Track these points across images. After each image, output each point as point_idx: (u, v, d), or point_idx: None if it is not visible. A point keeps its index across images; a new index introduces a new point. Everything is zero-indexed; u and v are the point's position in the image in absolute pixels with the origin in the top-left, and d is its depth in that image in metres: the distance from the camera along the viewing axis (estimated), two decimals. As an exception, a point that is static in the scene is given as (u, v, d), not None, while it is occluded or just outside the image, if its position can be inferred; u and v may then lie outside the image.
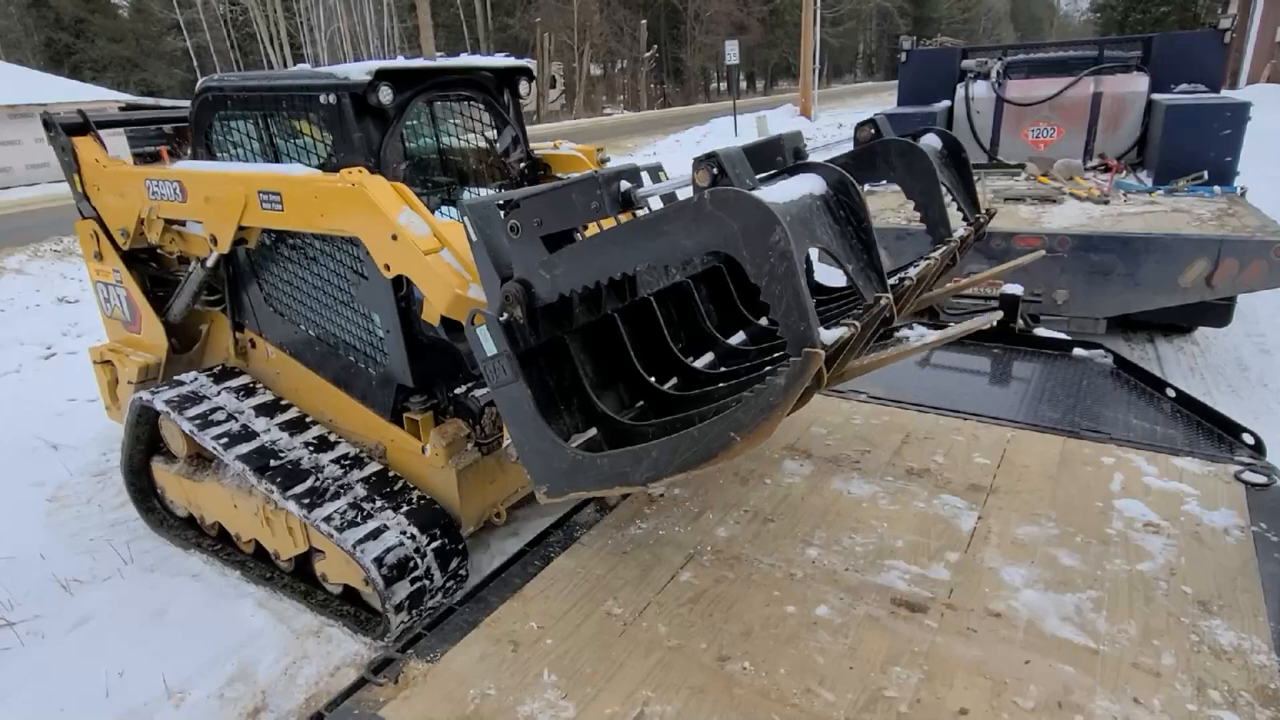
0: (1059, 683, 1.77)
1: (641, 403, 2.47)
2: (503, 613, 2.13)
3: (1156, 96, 7.39)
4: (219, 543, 4.15)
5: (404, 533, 3.30)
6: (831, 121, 23.75)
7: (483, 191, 4.13)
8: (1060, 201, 6.40)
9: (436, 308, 2.93)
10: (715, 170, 1.86)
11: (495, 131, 4.11)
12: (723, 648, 1.95)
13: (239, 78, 3.77)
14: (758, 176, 2.04)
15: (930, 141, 2.85)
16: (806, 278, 1.70)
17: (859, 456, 2.86)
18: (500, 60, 4.01)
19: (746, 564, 2.28)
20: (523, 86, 4.08)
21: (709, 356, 2.84)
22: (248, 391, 3.95)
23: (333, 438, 3.78)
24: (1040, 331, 3.93)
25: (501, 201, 2.13)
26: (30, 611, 3.73)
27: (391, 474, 3.62)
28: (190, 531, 4.25)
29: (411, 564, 3.23)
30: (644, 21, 51.09)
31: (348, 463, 3.63)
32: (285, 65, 39.09)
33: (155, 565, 4.09)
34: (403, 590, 3.19)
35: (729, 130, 21.95)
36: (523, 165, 4.19)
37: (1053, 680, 1.78)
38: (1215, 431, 2.95)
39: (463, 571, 3.44)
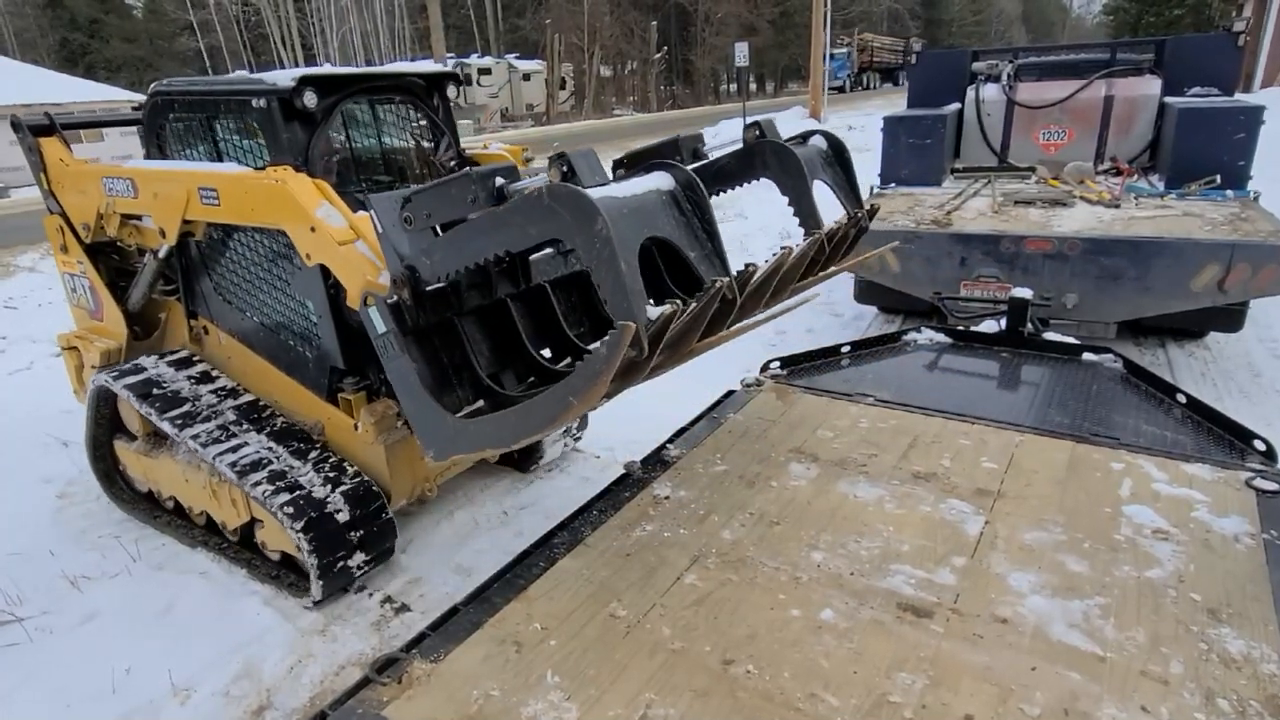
0: (1066, 689, 1.76)
1: (533, 378, 2.73)
2: (507, 613, 2.13)
3: (1169, 100, 7.34)
4: (176, 516, 4.44)
5: (266, 447, 3.81)
6: (841, 124, 23.62)
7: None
8: (1071, 205, 6.37)
9: (351, 293, 3.14)
10: (565, 168, 2.16)
11: (431, 133, 4.39)
12: (727, 651, 1.94)
13: (185, 83, 4.05)
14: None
15: (816, 143, 3.10)
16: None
17: (865, 460, 2.85)
18: (426, 67, 4.40)
19: (751, 567, 2.27)
20: (450, 90, 4.41)
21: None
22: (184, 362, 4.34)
23: (214, 373, 4.24)
24: (1049, 335, 3.91)
25: (407, 194, 2.36)
26: (39, 607, 3.75)
27: (262, 403, 4.09)
28: (148, 505, 4.56)
29: (266, 462, 3.72)
30: (654, 23, 51.09)
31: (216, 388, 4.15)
32: (298, 65, 39.29)
33: (163, 563, 4.12)
34: (258, 474, 3.63)
35: (738, 132, 21.91)
36: (453, 164, 4.40)
37: (1059, 687, 1.77)
38: (1226, 438, 2.92)
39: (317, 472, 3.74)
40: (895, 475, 2.73)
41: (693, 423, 3.24)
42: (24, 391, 6.62)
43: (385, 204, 2.39)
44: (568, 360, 2.90)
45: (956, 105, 8.29)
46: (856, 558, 2.28)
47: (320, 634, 3.52)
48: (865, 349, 3.98)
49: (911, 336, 4.04)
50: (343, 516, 3.58)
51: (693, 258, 2.30)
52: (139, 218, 4.16)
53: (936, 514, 2.48)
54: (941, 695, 1.76)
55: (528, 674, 1.90)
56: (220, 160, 3.90)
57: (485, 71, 32.34)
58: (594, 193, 1.95)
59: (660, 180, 2.31)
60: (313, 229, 3.16)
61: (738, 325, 2.52)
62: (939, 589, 2.12)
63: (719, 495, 2.67)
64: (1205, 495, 2.49)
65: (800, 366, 3.81)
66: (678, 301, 2.07)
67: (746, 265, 2.46)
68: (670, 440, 3.09)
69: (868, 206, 3.23)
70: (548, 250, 2.86)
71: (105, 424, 4.47)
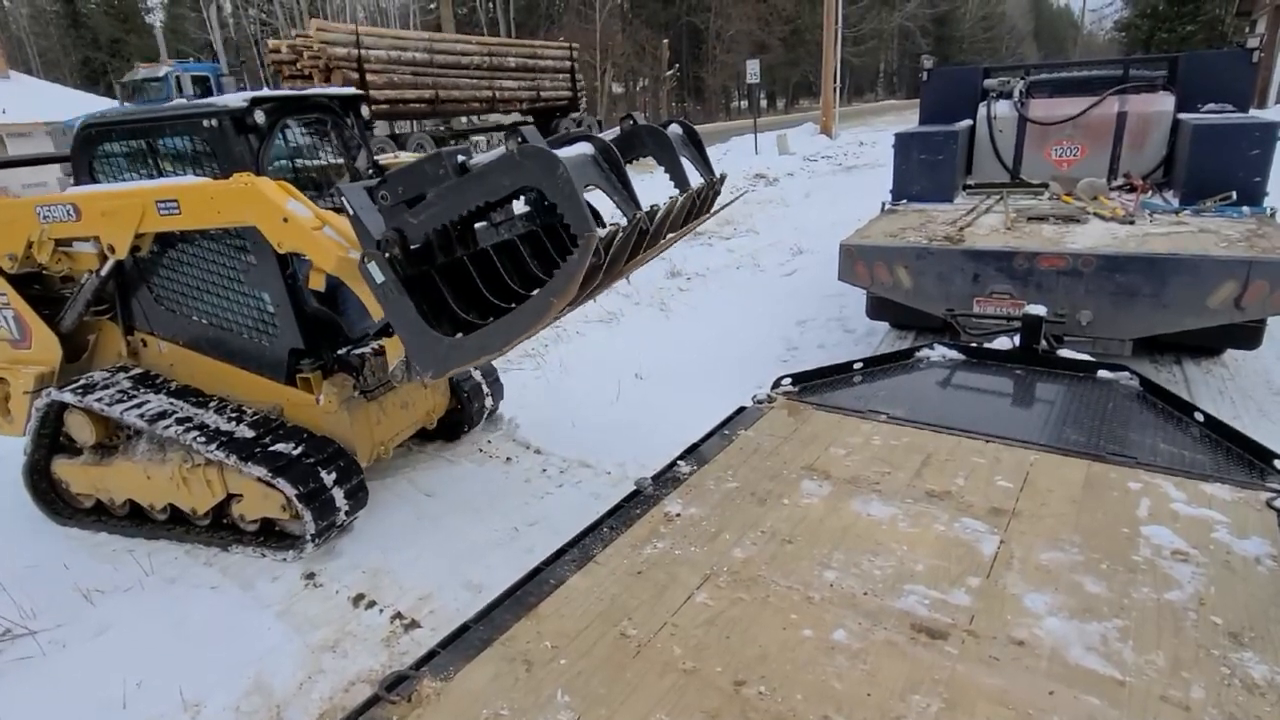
0: (1084, 714, 1.73)
1: (493, 318, 3.28)
2: (516, 631, 2.12)
3: (1183, 116, 7.30)
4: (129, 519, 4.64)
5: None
6: (853, 140, 23.66)
7: None
8: (1084, 221, 6.33)
9: (325, 269, 3.66)
10: (520, 139, 2.76)
11: (347, 146, 4.96)
12: (738, 671, 1.92)
13: (119, 113, 4.45)
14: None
15: (674, 129, 3.85)
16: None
17: (879, 478, 2.83)
18: (341, 90, 4.91)
19: (763, 585, 2.25)
20: (364, 110, 4.99)
21: None
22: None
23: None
24: (1064, 353, 3.87)
25: (375, 181, 3.00)
26: (52, 620, 3.77)
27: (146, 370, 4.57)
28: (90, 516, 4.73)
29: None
30: (665, 41, 51.40)
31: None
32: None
33: (175, 577, 4.13)
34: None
35: (749, 148, 21.92)
36: (370, 171, 5.01)
37: (1078, 711, 1.74)
38: (1246, 457, 2.88)
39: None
40: (909, 493, 2.71)
41: (704, 439, 3.23)
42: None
43: (356, 191, 2.99)
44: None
45: (968, 121, 8.27)
46: (870, 577, 2.26)
47: (330, 650, 3.51)
48: (878, 365, 3.96)
49: (924, 353, 4.02)
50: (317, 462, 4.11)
51: (616, 200, 3.05)
52: (70, 244, 4.38)
53: (951, 533, 2.45)
54: (957, 718, 1.73)
55: (537, 693, 1.89)
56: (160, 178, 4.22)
57: (499, 89, 32.67)
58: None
59: (584, 147, 3.07)
60: (286, 220, 3.64)
61: (649, 250, 3.38)
62: (954, 610, 2.09)
63: (730, 513, 2.65)
64: (1225, 516, 2.46)
65: (812, 383, 3.79)
66: (615, 224, 2.79)
67: (651, 206, 3.20)
68: (681, 457, 3.07)
69: (719, 174, 4.07)
70: (483, 223, 3.54)
71: (46, 445, 4.63)
